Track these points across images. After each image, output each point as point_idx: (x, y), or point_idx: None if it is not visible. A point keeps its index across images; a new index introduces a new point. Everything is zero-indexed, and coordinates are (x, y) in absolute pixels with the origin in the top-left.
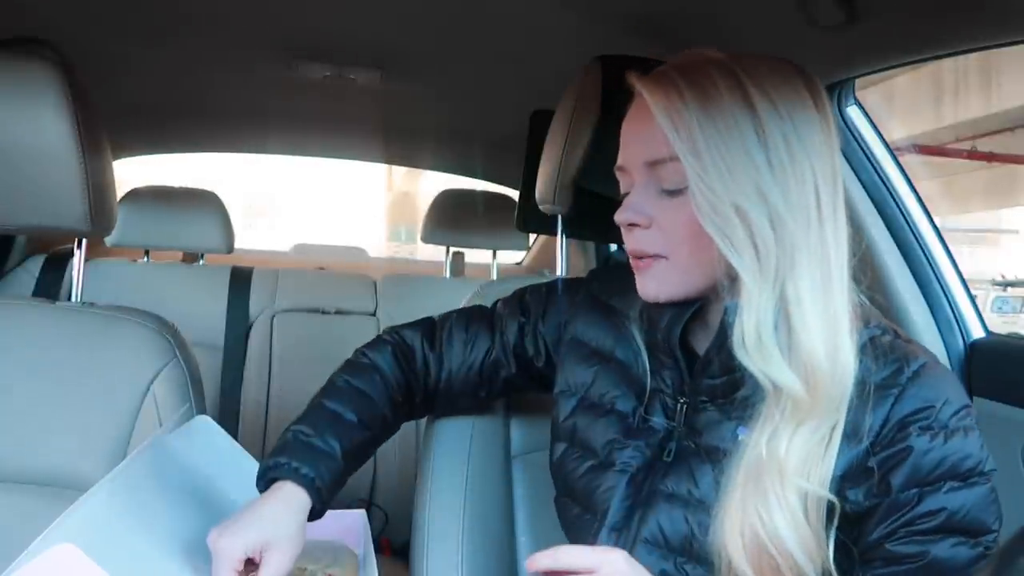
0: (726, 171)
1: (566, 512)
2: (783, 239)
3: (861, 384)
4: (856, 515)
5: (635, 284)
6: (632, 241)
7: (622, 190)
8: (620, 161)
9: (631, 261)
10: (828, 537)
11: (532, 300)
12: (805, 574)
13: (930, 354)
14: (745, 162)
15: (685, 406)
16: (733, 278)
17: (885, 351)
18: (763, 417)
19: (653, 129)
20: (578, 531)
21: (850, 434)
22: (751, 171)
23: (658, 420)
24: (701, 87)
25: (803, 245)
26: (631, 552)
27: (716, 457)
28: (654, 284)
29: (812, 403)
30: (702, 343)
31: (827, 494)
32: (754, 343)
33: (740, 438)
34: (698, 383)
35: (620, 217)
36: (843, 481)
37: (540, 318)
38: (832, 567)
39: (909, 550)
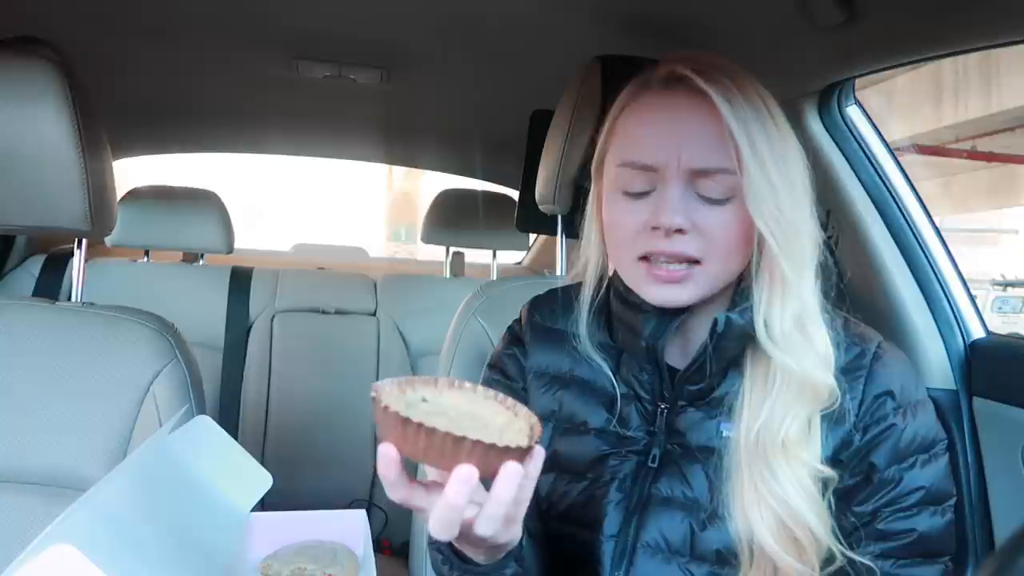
0: (779, 181)
1: (570, 541)
2: (806, 242)
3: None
4: (841, 491)
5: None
6: (675, 244)
7: (637, 187)
8: (649, 160)
9: (645, 267)
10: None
11: (497, 375)
12: (822, 544)
13: (875, 331)
14: (787, 171)
15: (666, 411)
16: (755, 281)
17: (841, 336)
18: (752, 405)
19: (707, 135)
20: (582, 550)
21: (832, 415)
22: (786, 180)
23: (636, 427)
24: (748, 96)
25: (812, 248)
26: (632, 557)
27: (706, 456)
28: (684, 291)
29: (817, 387)
30: (669, 349)
31: (827, 468)
32: (781, 336)
33: (725, 434)
34: (681, 388)
35: (669, 221)
36: (834, 459)
37: (519, 388)
38: (833, 538)
39: (898, 527)
